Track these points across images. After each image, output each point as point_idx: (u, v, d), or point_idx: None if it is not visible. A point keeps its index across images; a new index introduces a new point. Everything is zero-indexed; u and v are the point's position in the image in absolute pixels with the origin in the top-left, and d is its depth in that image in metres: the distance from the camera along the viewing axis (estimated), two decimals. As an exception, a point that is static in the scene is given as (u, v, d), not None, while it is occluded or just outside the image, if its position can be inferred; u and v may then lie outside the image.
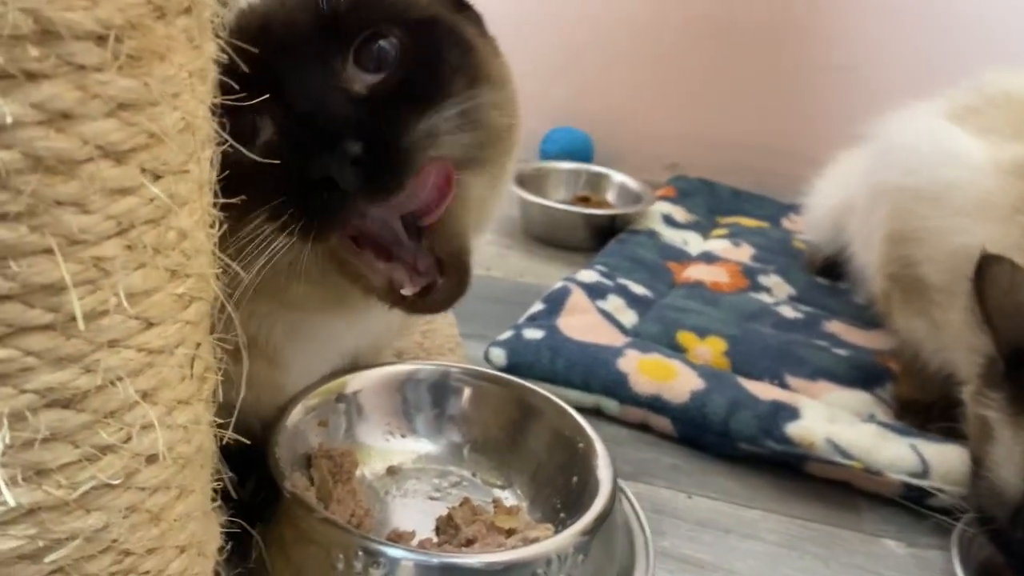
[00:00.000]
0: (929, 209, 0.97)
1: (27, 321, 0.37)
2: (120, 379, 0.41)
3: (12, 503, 0.38)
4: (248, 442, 0.55)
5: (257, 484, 0.70)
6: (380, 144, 0.58)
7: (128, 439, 0.42)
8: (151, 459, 0.44)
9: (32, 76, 0.34)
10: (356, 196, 0.58)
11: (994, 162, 0.93)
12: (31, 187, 0.35)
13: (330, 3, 0.60)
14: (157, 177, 0.40)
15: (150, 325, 0.42)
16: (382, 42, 0.62)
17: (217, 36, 0.46)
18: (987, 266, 0.77)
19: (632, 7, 1.94)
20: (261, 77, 0.57)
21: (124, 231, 0.39)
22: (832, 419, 0.98)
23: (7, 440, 0.38)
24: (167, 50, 0.39)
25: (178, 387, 0.46)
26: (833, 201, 1.39)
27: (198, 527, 0.52)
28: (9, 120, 0.33)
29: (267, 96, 0.55)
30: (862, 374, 1.12)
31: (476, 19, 0.73)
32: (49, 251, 0.36)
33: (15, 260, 0.36)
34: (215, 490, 0.55)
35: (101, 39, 0.35)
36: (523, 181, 1.63)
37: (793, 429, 0.95)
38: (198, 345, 0.48)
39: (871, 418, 1.02)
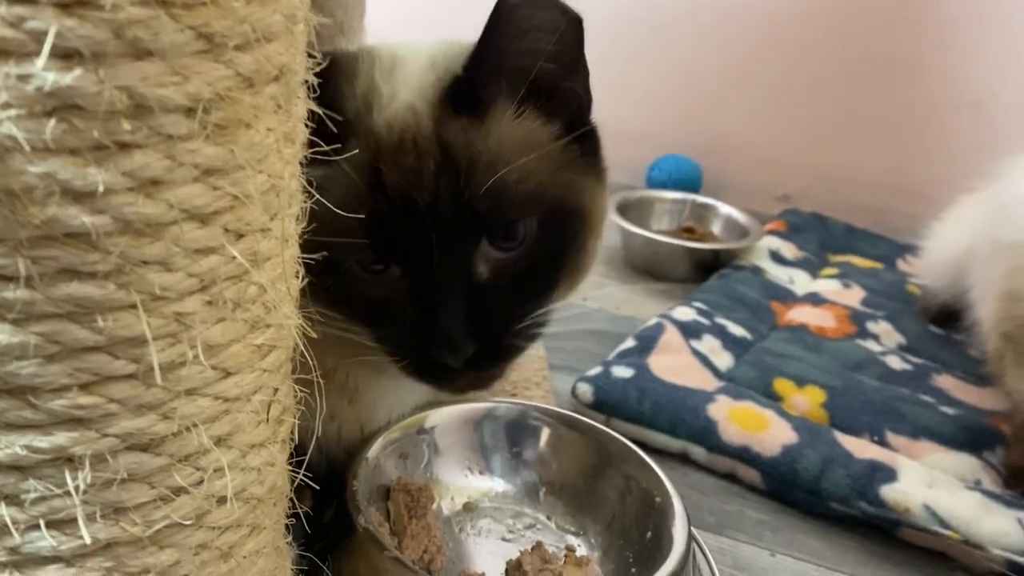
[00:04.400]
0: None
1: (111, 371, 0.39)
2: (195, 425, 0.43)
3: (88, 540, 0.41)
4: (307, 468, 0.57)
5: (336, 512, 0.72)
6: (491, 343, 0.66)
7: (201, 482, 0.45)
8: (223, 500, 0.46)
9: (124, 147, 0.36)
10: (463, 372, 0.67)
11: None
12: (119, 249, 0.37)
13: (471, 195, 0.63)
14: (240, 236, 0.42)
15: (227, 375, 0.44)
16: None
17: (308, 97, 0.47)
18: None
19: (747, 33, 1.90)
20: (399, 234, 0.64)
21: (206, 288, 0.41)
22: (932, 483, 0.94)
23: (88, 480, 0.40)
24: (254, 118, 0.41)
25: (253, 432, 0.48)
26: (954, 245, 1.33)
27: (268, 563, 0.53)
28: (101, 188, 0.35)
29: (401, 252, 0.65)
30: (970, 436, 1.05)
31: (592, 136, 0.73)
32: (133, 307, 0.38)
33: (102, 315, 0.38)
34: (287, 525, 0.57)
35: (190, 111, 0.37)
36: (626, 210, 1.61)
37: (889, 492, 0.91)
38: (276, 391, 0.50)
39: (976, 485, 0.96)
